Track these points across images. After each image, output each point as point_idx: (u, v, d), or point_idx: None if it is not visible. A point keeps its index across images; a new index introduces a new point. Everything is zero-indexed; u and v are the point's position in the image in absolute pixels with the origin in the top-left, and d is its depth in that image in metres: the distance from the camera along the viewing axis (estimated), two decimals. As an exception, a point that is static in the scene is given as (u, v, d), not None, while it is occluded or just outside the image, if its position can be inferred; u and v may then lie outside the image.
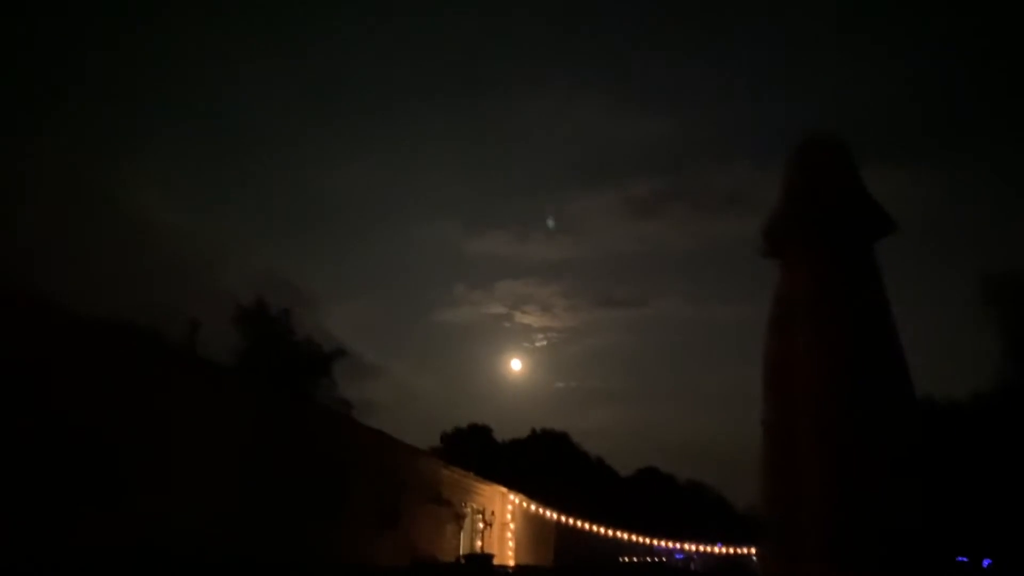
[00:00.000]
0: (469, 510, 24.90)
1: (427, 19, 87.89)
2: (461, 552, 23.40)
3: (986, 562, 27.98)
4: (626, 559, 37.58)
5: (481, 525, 25.87)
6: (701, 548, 38.46)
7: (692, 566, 39.77)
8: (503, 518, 27.77)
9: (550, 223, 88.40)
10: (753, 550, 39.30)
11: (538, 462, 48.11)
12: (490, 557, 22.33)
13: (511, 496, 28.49)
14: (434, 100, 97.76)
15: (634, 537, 33.17)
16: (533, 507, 29.81)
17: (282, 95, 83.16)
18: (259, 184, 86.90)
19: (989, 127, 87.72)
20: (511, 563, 26.38)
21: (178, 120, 74.49)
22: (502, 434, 56.23)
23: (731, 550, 38.24)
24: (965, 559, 28.75)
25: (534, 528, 30.77)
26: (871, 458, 5.49)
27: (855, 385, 5.61)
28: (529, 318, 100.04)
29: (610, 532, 31.19)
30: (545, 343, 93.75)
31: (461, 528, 24.04)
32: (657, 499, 53.30)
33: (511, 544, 27.75)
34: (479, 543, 25.33)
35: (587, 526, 30.41)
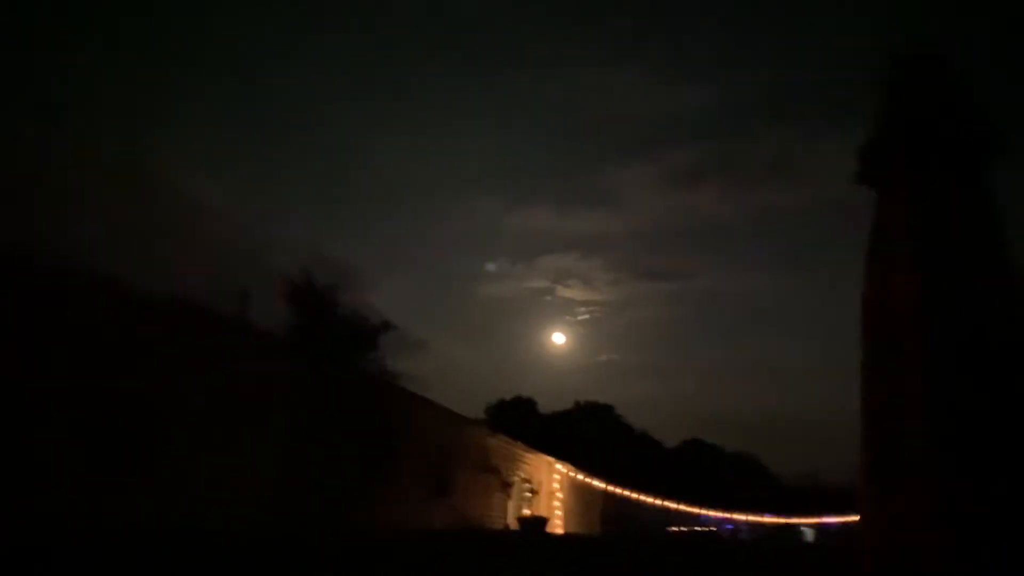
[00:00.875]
0: (517, 479, 25.09)
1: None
2: (509, 520, 23.63)
3: None
4: (675, 529, 37.60)
5: (529, 494, 26.07)
6: (749, 518, 38.30)
7: (741, 536, 39.62)
8: (550, 487, 27.95)
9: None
10: (804, 520, 39.05)
11: (583, 434, 48.21)
12: (544, 520, 22.50)
13: (558, 465, 28.64)
14: (471, 74, 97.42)
15: (682, 507, 33.14)
16: (580, 476, 29.94)
17: (323, 74, 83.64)
18: (304, 164, 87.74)
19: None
20: (559, 531, 26.57)
21: (224, 103, 75.37)
22: (546, 407, 56.43)
23: (779, 520, 38.02)
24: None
25: (581, 498, 30.93)
26: (985, 411, 4.77)
27: (965, 323, 4.89)
28: (571, 292, 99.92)
29: (657, 502, 31.20)
30: (587, 316, 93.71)
31: (509, 496, 24.25)
32: (703, 470, 53.15)
33: (559, 513, 27.94)
34: (526, 511, 25.54)
35: (635, 495, 30.46)
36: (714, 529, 40.90)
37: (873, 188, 5.64)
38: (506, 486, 24.05)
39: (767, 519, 37.87)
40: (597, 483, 30.32)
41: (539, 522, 21.93)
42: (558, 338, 78.74)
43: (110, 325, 10.56)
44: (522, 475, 25.80)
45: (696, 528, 39.36)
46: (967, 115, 5.46)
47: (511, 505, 24.48)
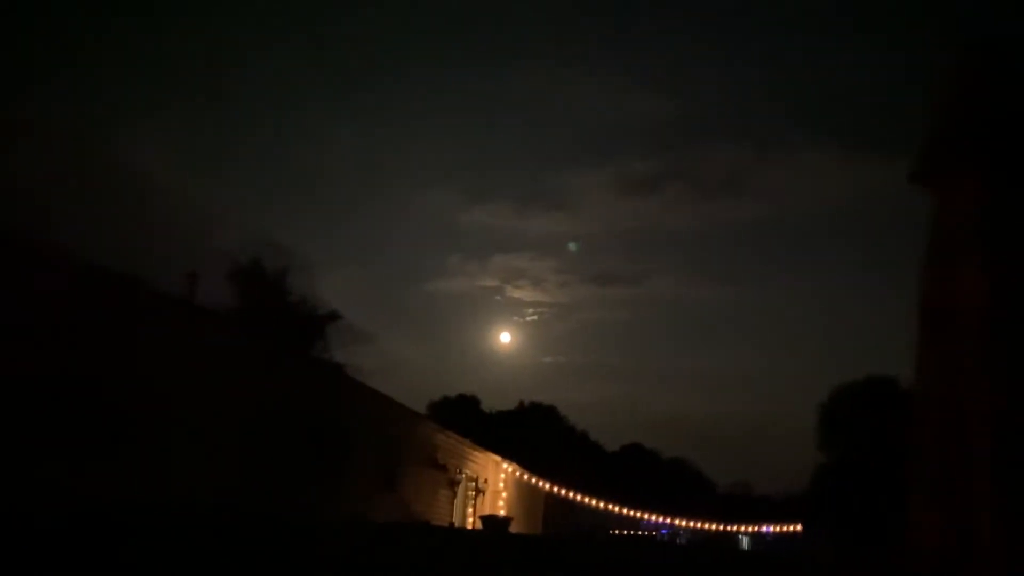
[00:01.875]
0: (463, 476, 24.77)
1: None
2: (454, 518, 23.29)
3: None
4: (615, 532, 37.73)
5: (474, 492, 25.77)
6: (687, 524, 38.69)
7: (678, 540, 40.03)
8: (496, 486, 27.70)
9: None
10: (740, 528, 39.64)
11: (525, 434, 48.12)
12: (508, 520, 22.17)
13: (504, 464, 28.40)
14: (433, 69, 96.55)
15: (622, 510, 33.26)
16: (526, 476, 29.75)
17: (282, 60, 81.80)
18: (257, 149, 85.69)
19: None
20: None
21: (179, 84, 73.00)
22: (490, 405, 56.21)
23: (716, 527, 38.50)
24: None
25: (525, 498, 30.75)
26: None
27: None
28: (521, 292, 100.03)
29: (600, 504, 31.23)
30: (536, 318, 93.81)
31: (455, 494, 23.92)
32: (641, 475, 53.59)
33: (502, 512, 27.69)
34: (470, 509, 25.23)
35: (578, 497, 30.42)
36: (653, 533, 41.25)
37: (931, 188, 5.26)
38: (453, 484, 23.71)
39: (704, 525, 38.31)
40: (542, 483, 30.17)
41: (502, 522, 21.63)
42: (505, 337, 78.63)
43: (61, 300, 10.04)
44: (469, 473, 25.48)
45: (636, 532, 39.62)
46: None
47: (457, 503, 24.15)
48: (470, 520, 24.64)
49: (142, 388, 11.11)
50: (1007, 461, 4.52)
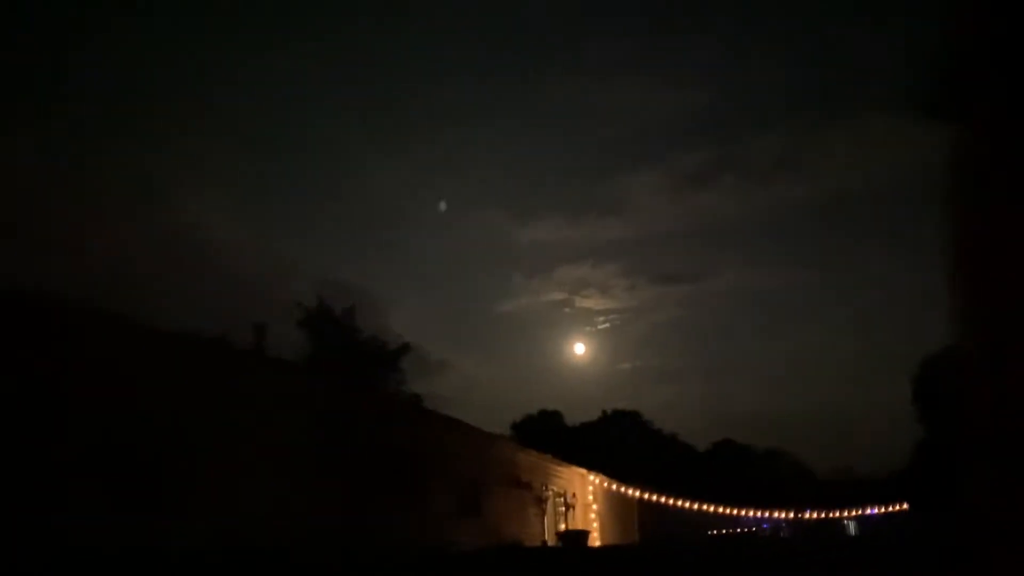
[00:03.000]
0: (550, 493, 24.61)
1: (455, 6, 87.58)
2: (546, 535, 23.15)
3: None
4: (714, 532, 36.86)
5: (564, 507, 25.57)
6: (788, 515, 37.51)
7: (781, 534, 38.80)
8: (585, 499, 27.43)
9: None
10: (845, 514, 38.20)
11: (612, 443, 47.66)
12: (586, 533, 21.99)
13: (591, 477, 28.13)
14: (473, 88, 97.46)
15: (719, 509, 32.49)
16: (614, 486, 29.39)
17: (320, 97, 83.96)
18: (312, 192, 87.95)
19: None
20: (597, 543, 26.03)
21: (227, 136, 75.86)
22: (572, 418, 55.87)
23: (820, 515, 37.21)
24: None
25: (617, 507, 30.36)
26: None
27: None
28: (589, 301, 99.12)
29: (694, 506, 30.58)
30: (607, 325, 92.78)
31: (544, 511, 23.79)
32: (736, 470, 52.30)
33: (595, 525, 27.39)
34: (563, 525, 25.05)
35: (670, 501, 29.86)
36: (754, 529, 40.13)
37: (950, 122, 4.83)
38: (540, 501, 23.60)
39: (807, 515, 37.06)
40: (632, 491, 29.74)
41: (580, 536, 21.41)
42: (579, 348, 78.17)
43: (141, 362, 10.55)
44: (555, 489, 25.32)
45: (736, 530, 38.62)
46: None
47: (547, 520, 24.01)
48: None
49: (219, 441, 11.46)
50: None
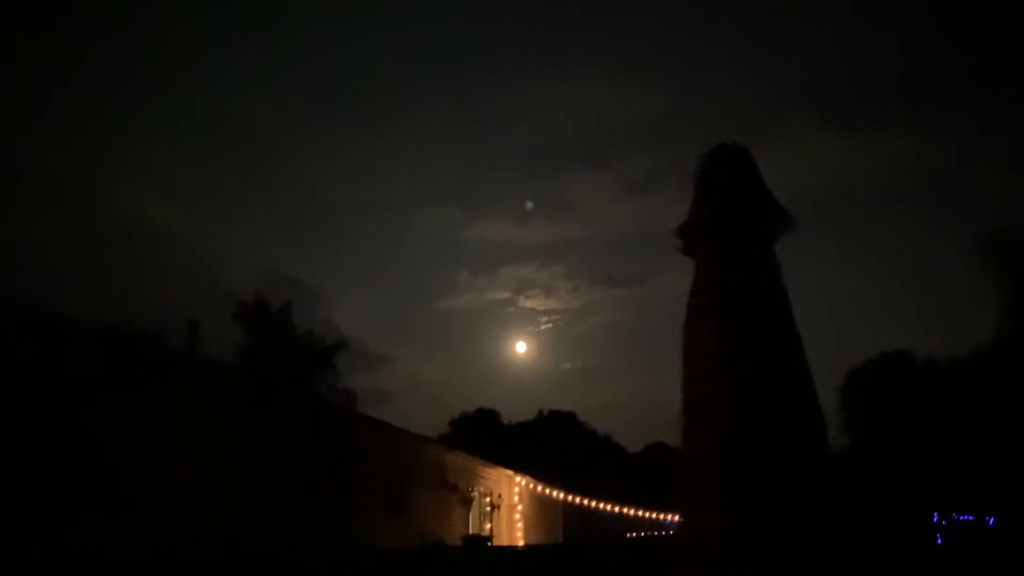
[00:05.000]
0: (476, 493, 25.23)
1: (415, 6, 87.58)
2: (470, 535, 23.76)
3: (990, 520, 28.27)
4: (633, 535, 37.99)
5: (489, 508, 26.22)
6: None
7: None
8: (510, 500, 28.14)
9: (529, 205, 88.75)
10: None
11: (546, 443, 48.53)
12: (487, 538, 22.73)
13: (517, 478, 28.84)
14: (422, 88, 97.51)
15: (642, 513, 33.58)
16: (540, 488, 30.17)
17: (271, 86, 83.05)
18: (254, 180, 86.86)
19: (982, 87, 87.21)
20: (520, 543, 26.76)
21: (169, 117, 74.39)
22: (510, 417, 56.70)
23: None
24: (969, 517, 29.06)
25: (542, 509, 31.17)
26: (769, 437, 6.22)
27: (755, 371, 6.34)
28: (533, 301, 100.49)
29: (616, 509, 31.58)
30: (550, 325, 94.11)
31: (469, 511, 24.39)
32: (665, 474, 53.58)
33: (520, 525, 28.13)
34: (488, 525, 25.70)
35: (592, 504, 30.79)
36: (672, 533, 41.41)
37: (691, 257, 7.23)
38: (466, 501, 24.18)
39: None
40: (557, 493, 30.58)
41: (482, 540, 22.17)
42: (521, 347, 79.13)
43: (57, 359, 10.59)
44: (482, 489, 25.94)
45: (655, 533, 39.81)
46: (760, 198, 6.89)
47: (472, 520, 24.62)
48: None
49: (143, 442, 11.60)
50: (735, 452, 6.05)
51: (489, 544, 21.57)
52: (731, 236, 6.93)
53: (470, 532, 23.64)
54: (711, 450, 6.14)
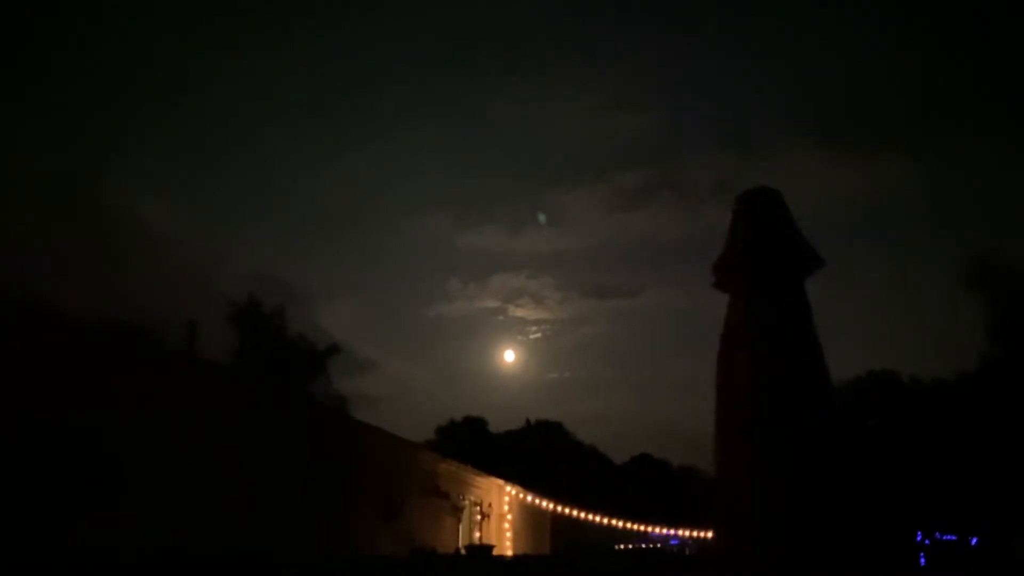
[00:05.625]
0: (467, 502, 25.25)
1: (412, 16, 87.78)
2: (460, 543, 23.75)
3: (973, 540, 28.54)
4: (621, 546, 38.03)
5: (479, 517, 26.23)
6: (696, 534, 38.92)
7: (687, 551, 40.23)
8: (500, 509, 28.16)
9: (542, 218, 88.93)
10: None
11: (533, 452, 48.49)
12: (490, 548, 22.73)
13: (508, 488, 28.87)
14: (420, 96, 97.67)
15: (629, 524, 33.61)
16: (529, 498, 30.20)
17: (266, 93, 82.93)
18: (250, 185, 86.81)
19: (968, 113, 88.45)
20: (509, 553, 26.77)
21: (166, 123, 74.18)
22: (497, 426, 56.61)
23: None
24: (953, 537, 29.33)
25: (531, 518, 31.18)
26: (799, 465, 6.81)
27: (785, 403, 6.85)
28: (523, 311, 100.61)
29: (604, 520, 31.64)
30: (539, 335, 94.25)
31: (460, 520, 24.40)
32: (651, 485, 53.81)
33: (508, 535, 28.15)
34: (477, 534, 25.70)
35: (582, 515, 30.84)
36: (659, 546, 41.44)
37: (725, 292, 7.82)
38: (457, 510, 24.19)
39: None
40: (546, 504, 30.61)
41: (485, 549, 22.15)
42: (509, 356, 79.11)
43: (56, 357, 10.60)
44: (473, 498, 25.96)
45: (643, 545, 39.88)
46: (792, 238, 7.50)
47: (462, 529, 24.62)
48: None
49: (140, 441, 11.60)
50: (765, 474, 6.58)
51: (492, 553, 21.54)
52: (764, 274, 7.32)
53: (461, 541, 23.66)
54: (744, 476, 6.46)
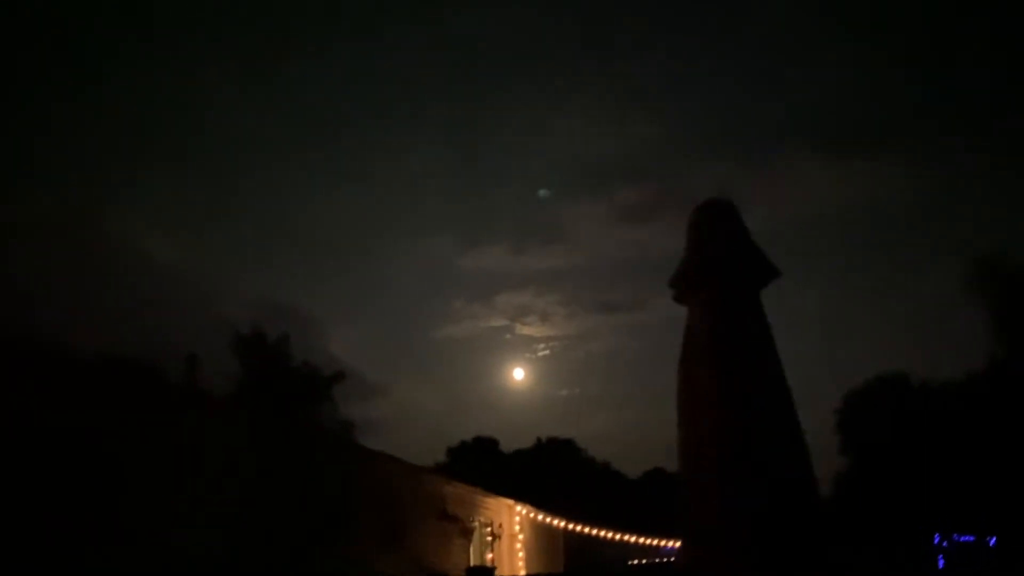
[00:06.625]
0: (476, 524, 25.08)
1: (407, 37, 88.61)
2: (472, 565, 23.58)
3: (992, 540, 28.19)
4: (635, 562, 37.71)
5: (490, 538, 26.05)
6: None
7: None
8: (511, 530, 27.97)
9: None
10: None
11: (545, 471, 48.32)
12: (491, 570, 22.58)
13: (518, 507, 28.70)
14: (417, 118, 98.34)
15: (643, 540, 33.40)
16: (540, 517, 30.01)
17: (267, 119, 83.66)
18: (250, 213, 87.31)
19: (970, 116, 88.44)
20: (522, 573, 26.56)
21: (164, 153, 74.92)
22: (508, 445, 56.48)
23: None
24: (971, 538, 28.97)
25: (543, 537, 30.97)
26: (759, 471, 6.89)
27: (745, 411, 6.93)
28: (530, 329, 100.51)
29: (617, 536, 31.42)
30: (547, 352, 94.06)
31: (470, 542, 24.23)
32: (665, 500, 53.40)
33: (521, 555, 27.94)
34: (489, 555, 25.51)
35: (594, 532, 30.63)
36: (672, 560, 41.09)
37: (685, 305, 7.96)
38: (467, 532, 24.02)
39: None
40: (557, 522, 30.42)
41: (487, 571, 22.00)
42: (518, 374, 78.97)
43: (58, 392, 10.70)
44: (483, 520, 25.79)
45: (656, 560, 39.53)
46: (747, 250, 7.54)
47: (473, 551, 24.45)
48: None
49: (140, 473, 11.66)
50: (728, 481, 6.65)
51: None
52: (719, 286, 7.44)
53: (471, 563, 23.48)
54: (706, 483, 6.51)
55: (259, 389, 27.55)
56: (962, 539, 29.51)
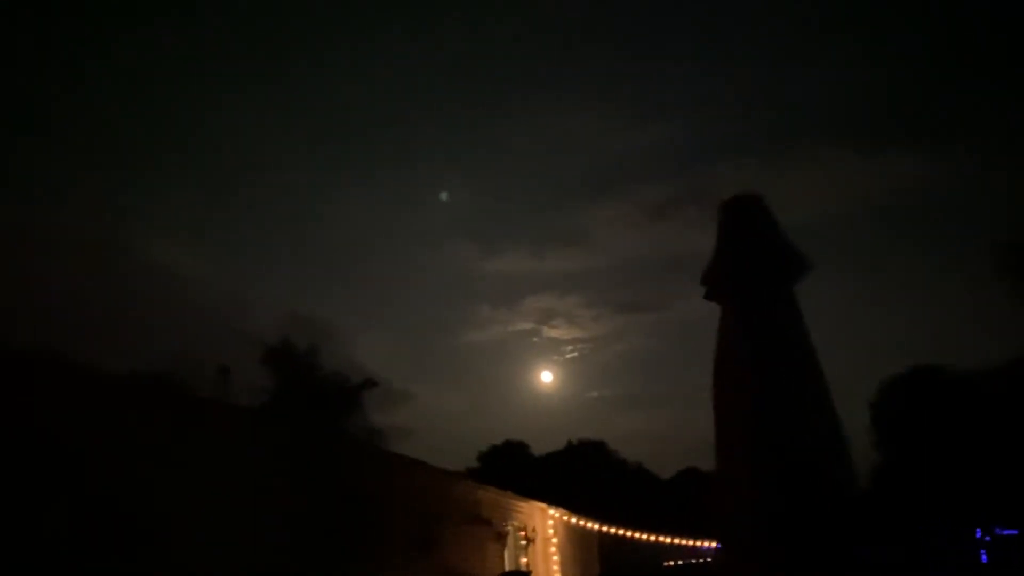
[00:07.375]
0: (510, 528, 25.03)
1: (425, 41, 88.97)
2: (507, 569, 23.53)
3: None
4: (670, 563, 37.40)
5: (524, 542, 25.97)
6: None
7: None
8: (545, 533, 27.88)
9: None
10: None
11: (577, 473, 48.10)
12: (527, 574, 22.47)
13: (551, 511, 28.60)
14: (437, 123, 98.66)
15: (677, 540, 33.10)
16: (574, 520, 29.87)
17: (287, 134, 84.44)
18: (276, 226, 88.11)
19: (996, 104, 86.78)
20: (557, 576, 26.47)
21: (185, 170, 75.87)
22: (539, 448, 56.32)
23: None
24: (1014, 532, 28.32)
25: (577, 540, 30.81)
26: (798, 469, 6.74)
27: (783, 407, 6.76)
28: (556, 331, 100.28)
29: (652, 537, 31.17)
30: (575, 354, 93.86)
31: (504, 546, 24.18)
32: (699, 500, 52.94)
33: (556, 558, 27.82)
34: (524, 559, 25.44)
35: (630, 533, 30.41)
36: (709, 560, 40.70)
37: (717, 302, 7.73)
38: (500, 536, 23.98)
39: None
40: (591, 524, 30.25)
41: (523, 575, 21.90)
42: (547, 377, 78.87)
43: (79, 411, 10.78)
44: (516, 524, 25.73)
45: (692, 560, 39.18)
46: (779, 245, 7.28)
47: (507, 555, 24.40)
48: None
49: (179, 487, 11.77)
50: (766, 481, 6.50)
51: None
52: (753, 283, 7.20)
53: (506, 568, 23.43)
54: (744, 482, 6.33)
55: (290, 400, 27.80)
56: (1005, 533, 28.86)
